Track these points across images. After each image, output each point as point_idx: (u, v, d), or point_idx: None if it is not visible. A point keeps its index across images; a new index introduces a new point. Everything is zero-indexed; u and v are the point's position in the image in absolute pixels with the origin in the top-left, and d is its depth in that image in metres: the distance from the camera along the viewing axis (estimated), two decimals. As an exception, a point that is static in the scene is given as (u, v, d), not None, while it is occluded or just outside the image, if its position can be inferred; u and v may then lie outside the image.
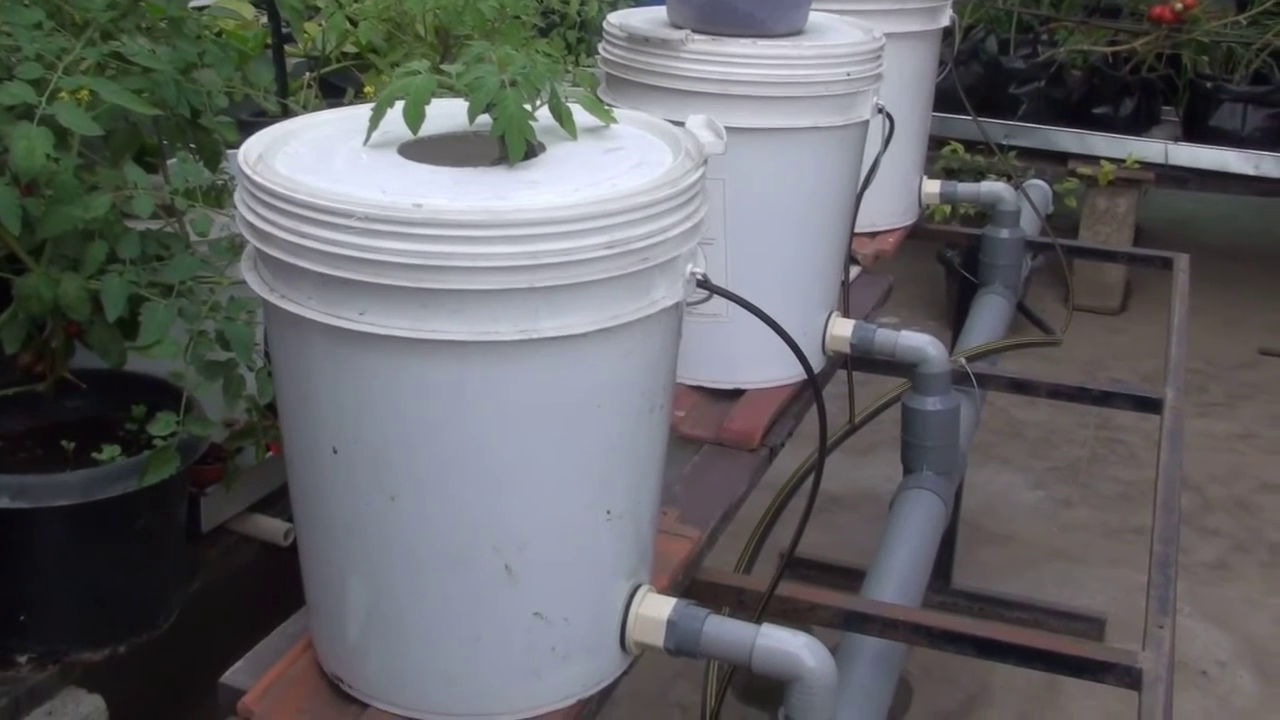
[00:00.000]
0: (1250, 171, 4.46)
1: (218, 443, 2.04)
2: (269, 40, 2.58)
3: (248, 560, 2.14)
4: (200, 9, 2.27)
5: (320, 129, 1.30)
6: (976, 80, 4.66)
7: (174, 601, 1.97)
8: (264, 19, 2.68)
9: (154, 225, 1.86)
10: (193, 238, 1.83)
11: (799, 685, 1.30)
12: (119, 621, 1.90)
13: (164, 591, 1.96)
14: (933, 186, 2.76)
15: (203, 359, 1.76)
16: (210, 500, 2.07)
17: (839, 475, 3.60)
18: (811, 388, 1.31)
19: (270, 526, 2.07)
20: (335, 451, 1.18)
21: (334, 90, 2.68)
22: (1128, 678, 1.54)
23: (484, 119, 1.23)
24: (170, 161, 1.88)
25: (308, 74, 2.58)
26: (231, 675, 1.35)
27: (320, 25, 2.73)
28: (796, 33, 1.91)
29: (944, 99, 3.00)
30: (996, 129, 4.53)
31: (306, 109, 2.23)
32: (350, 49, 2.72)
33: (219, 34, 2.54)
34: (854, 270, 2.52)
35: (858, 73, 1.86)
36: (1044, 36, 4.85)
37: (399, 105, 1.22)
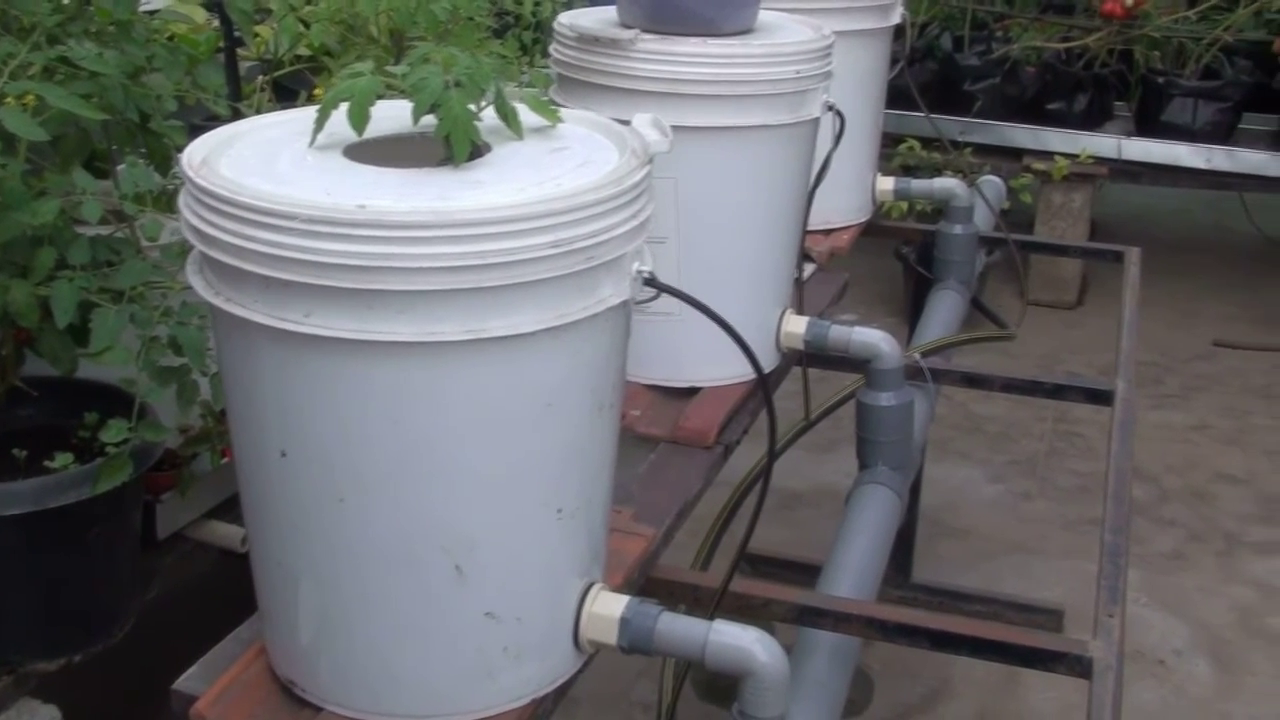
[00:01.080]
0: (1202, 165, 4.51)
1: (173, 449, 2.03)
2: (221, 44, 2.57)
3: (206, 567, 2.13)
4: (151, 13, 2.26)
5: (266, 131, 1.30)
6: (931, 77, 4.69)
7: (130, 610, 1.96)
8: (216, 23, 2.67)
9: (104, 231, 1.85)
10: (144, 243, 1.82)
11: (751, 680, 1.31)
12: (74, 631, 1.89)
13: (120, 600, 1.95)
14: (886, 183, 2.78)
15: (155, 365, 1.76)
16: (166, 507, 2.06)
17: (800, 472, 3.62)
18: (761, 384, 1.31)
19: (227, 533, 2.06)
20: (283, 454, 1.18)
21: (288, 93, 2.67)
22: (1078, 667, 1.56)
23: (430, 120, 1.23)
24: (120, 167, 1.86)
25: (261, 77, 2.57)
26: (184, 681, 1.35)
27: (273, 28, 2.72)
28: (746, 31, 1.92)
29: (899, 97, 3.02)
30: (952, 126, 4.57)
31: (259, 112, 2.22)
32: (304, 52, 2.71)
33: (170, 38, 2.53)
34: (809, 268, 2.53)
35: (807, 71, 1.87)
36: (998, 33, 4.88)
37: (344, 107, 1.22)
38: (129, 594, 1.96)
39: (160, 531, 2.07)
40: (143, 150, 1.92)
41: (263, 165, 1.20)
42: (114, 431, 1.74)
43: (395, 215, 1.08)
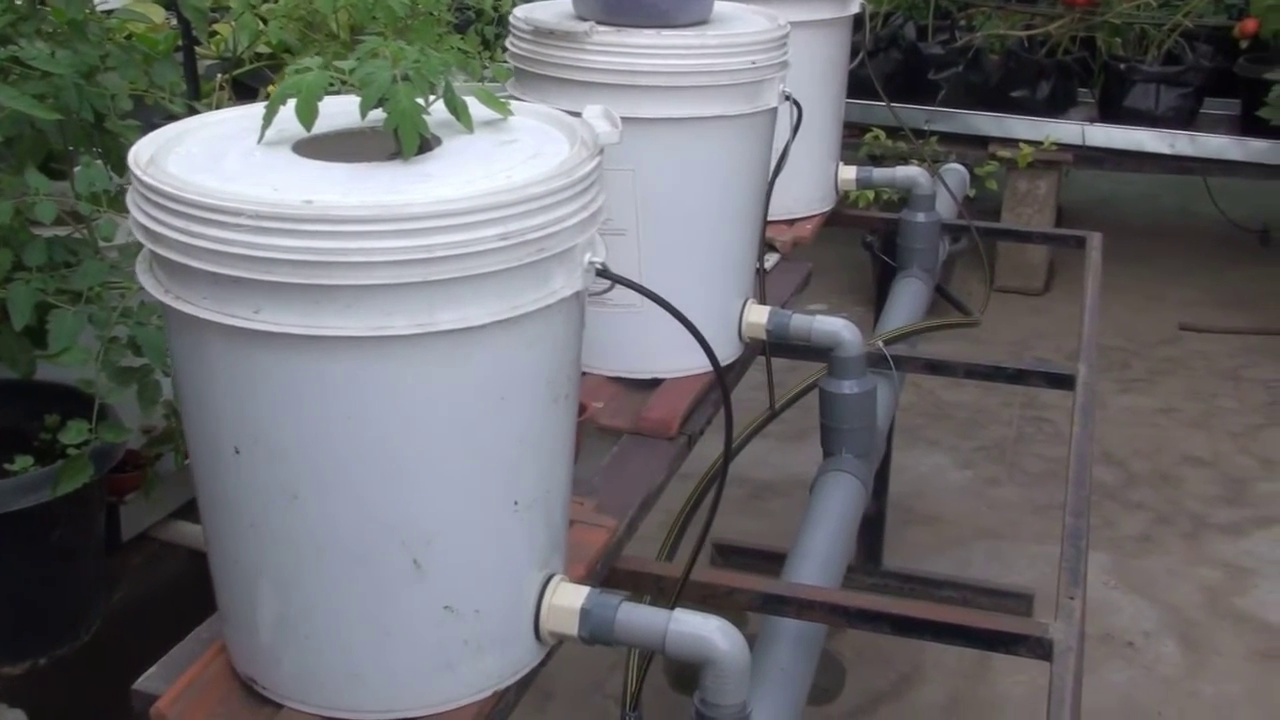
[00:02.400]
0: (1165, 150, 4.54)
1: (136, 450, 2.02)
2: (180, 43, 2.56)
3: (174, 568, 2.12)
4: (108, 12, 2.25)
5: (215, 128, 1.30)
6: (896, 67, 4.71)
7: (95, 612, 1.95)
8: (174, 22, 2.66)
9: (61, 232, 1.84)
10: (101, 244, 1.82)
11: (712, 669, 1.31)
12: (39, 634, 1.88)
13: (84, 602, 1.94)
14: (849, 173, 2.78)
15: (115, 365, 1.75)
16: (130, 508, 2.05)
17: (770, 462, 3.64)
18: (717, 376, 1.32)
19: (193, 532, 2.05)
20: (237, 452, 1.17)
21: (248, 91, 2.66)
22: (1040, 649, 1.57)
23: (380, 114, 1.23)
24: (78, 168, 1.86)
25: (220, 75, 2.56)
26: (145, 681, 1.35)
27: (232, 26, 2.71)
28: (701, 22, 1.92)
29: (864, 86, 3.03)
30: (917, 114, 4.59)
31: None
32: (264, 49, 2.70)
33: (128, 37, 2.52)
34: (772, 258, 2.54)
35: (763, 61, 1.88)
36: (961, 22, 4.91)
37: (292, 103, 1.22)
38: (94, 596, 1.96)
39: (125, 533, 2.07)
40: (99, 150, 1.91)
41: (210, 162, 1.20)
42: (74, 433, 1.74)
43: (342, 209, 1.08)
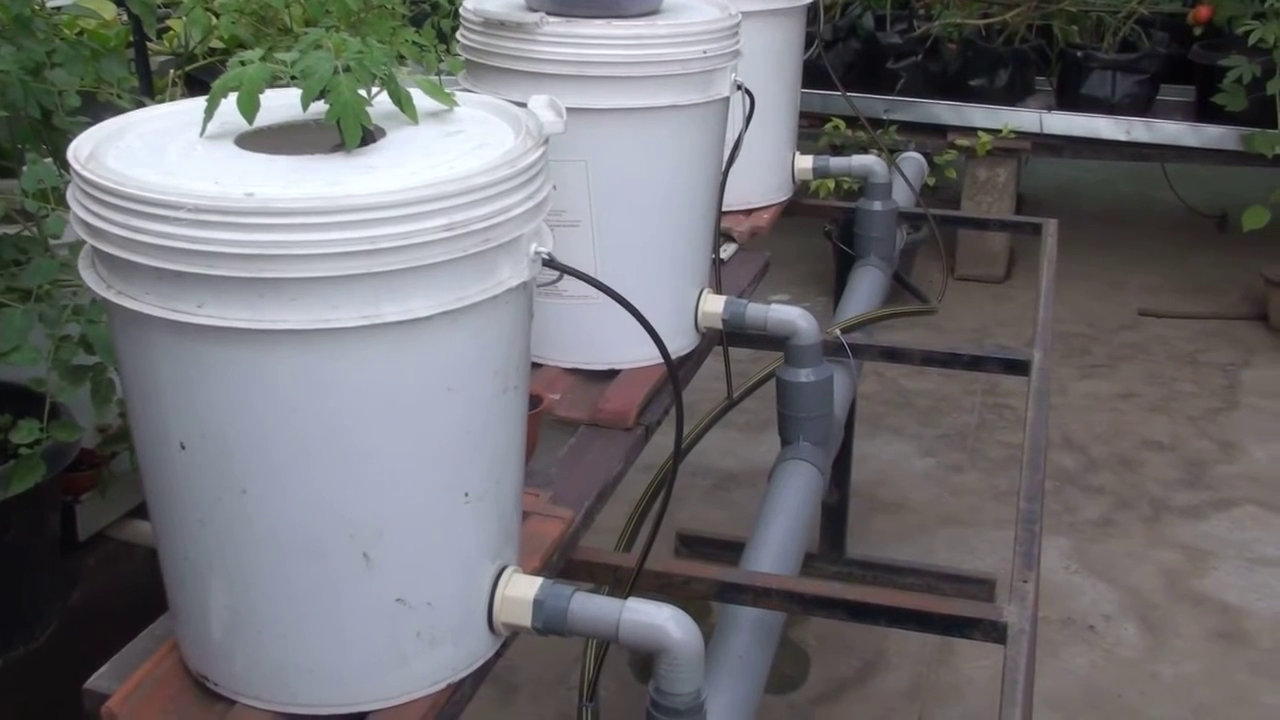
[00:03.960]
0: (1122, 137, 4.57)
1: (91, 449, 2.01)
2: (131, 39, 2.54)
3: (134, 567, 2.11)
4: (57, 9, 2.22)
5: (157, 123, 1.29)
6: (854, 56, 4.72)
7: (52, 612, 1.94)
8: (125, 17, 2.64)
9: (11, 230, 1.82)
10: (52, 242, 1.80)
11: (666, 657, 1.31)
12: (-6, 634, 1.87)
13: (40, 602, 1.93)
14: (805, 162, 2.79)
15: (66, 364, 1.74)
16: (86, 508, 2.04)
17: (734, 452, 3.64)
18: (666, 362, 1.32)
19: (149, 531, 2.03)
20: (183, 447, 1.17)
21: (201, 87, 2.63)
22: (994, 632, 1.58)
23: (323, 106, 1.22)
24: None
25: (173, 71, 2.54)
26: (96, 680, 1.34)
27: (183, 21, 2.69)
28: (652, 12, 1.93)
29: (824, 77, 3.04)
30: (876, 104, 4.60)
31: (168, 107, 2.19)
32: (217, 45, 2.68)
33: (80, 33, 2.50)
34: (730, 247, 2.55)
35: (714, 50, 1.88)
36: (919, 11, 4.92)
37: (234, 96, 1.21)
38: (50, 596, 1.94)
39: (81, 532, 2.05)
40: (47, 148, 1.90)
41: (151, 156, 1.19)
42: (25, 432, 1.73)
43: (284, 202, 1.07)
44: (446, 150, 1.23)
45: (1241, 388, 4.14)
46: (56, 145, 1.89)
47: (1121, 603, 3.07)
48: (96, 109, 1.99)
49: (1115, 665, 2.86)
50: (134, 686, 1.31)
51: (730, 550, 2.97)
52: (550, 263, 1.24)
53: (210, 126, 1.25)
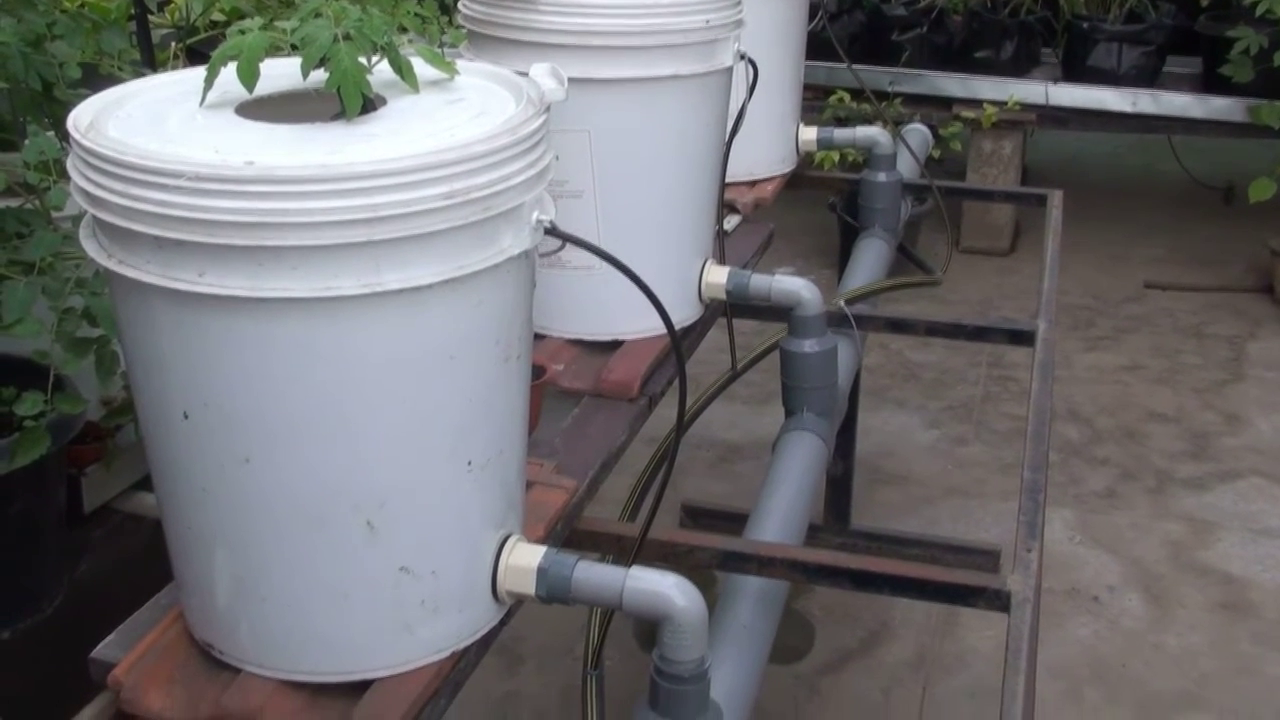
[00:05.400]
0: (1128, 109, 4.55)
1: (96, 422, 2.01)
2: (133, 11, 2.53)
3: (140, 540, 2.12)
4: (58, -20, 2.22)
5: (156, 92, 1.29)
6: (859, 28, 4.70)
7: (59, 584, 1.95)
8: (127, -10, 2.63)
9: (13, 203, 1.82)
10: (54, 214, 1.80)
11: (669, 625, 1.31)
12: (1, 607, 1.87)
13: (47, 575, 1.93)
14: (810, 134, 2.78)
15: (70, 336, 1.74)
16: (91, 480, 2.05)
17: (738, 425, 3.65)
18: (668, 330, 1.31)
19: (154, 503, 2.04)
20: (186, 416, 1.17)
21: (204, 60, 2.62)
22: (997, 601, 1.58)
23: (323, 75, 1.22)
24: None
25: (175, 44, 2.54)
26: (102, 649, 1.34)
27: (185, -6, 2.68)
28: (655, -19, 1.91)
29: (829, 49, 3.03)
30: (880, 76, 4.58)
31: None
32: (219, 17, 2.67)
33: (81, 6, 2.49)
34: (734, 219, 2.54)
35: (717, 20, 1.87)
36: (924, -17, 4.89)
37: (234, 64, 1.21)
38: (56, 569, 1.95)
39: (87, 505, 2.06)
40: (48, 120, 1.89)
41: (151, 125, 1.19)
42: (29, 404, 1.73)
43: (284, 170, 1.07)
44: (447, 118, 1.23)
45: (1247, 360, 4.13)
46: (57, 117, 1.89)
47: (1126, 574, 3.07)
48: (98, 81, 1.98)
49: (1119, 636, 2.86)
50: (140, 655, 1.32)
51: (735, 522, 2.97)
52: (552, 231, 1.23)
53: (210, 95, 1.24)
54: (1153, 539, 3.21)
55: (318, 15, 1.21)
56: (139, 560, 2.06)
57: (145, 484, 2.10)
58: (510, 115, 1.22)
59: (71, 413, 1.79)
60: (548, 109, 1.26)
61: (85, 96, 1.85)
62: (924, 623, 2.88)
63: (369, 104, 1.22)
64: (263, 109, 1.24)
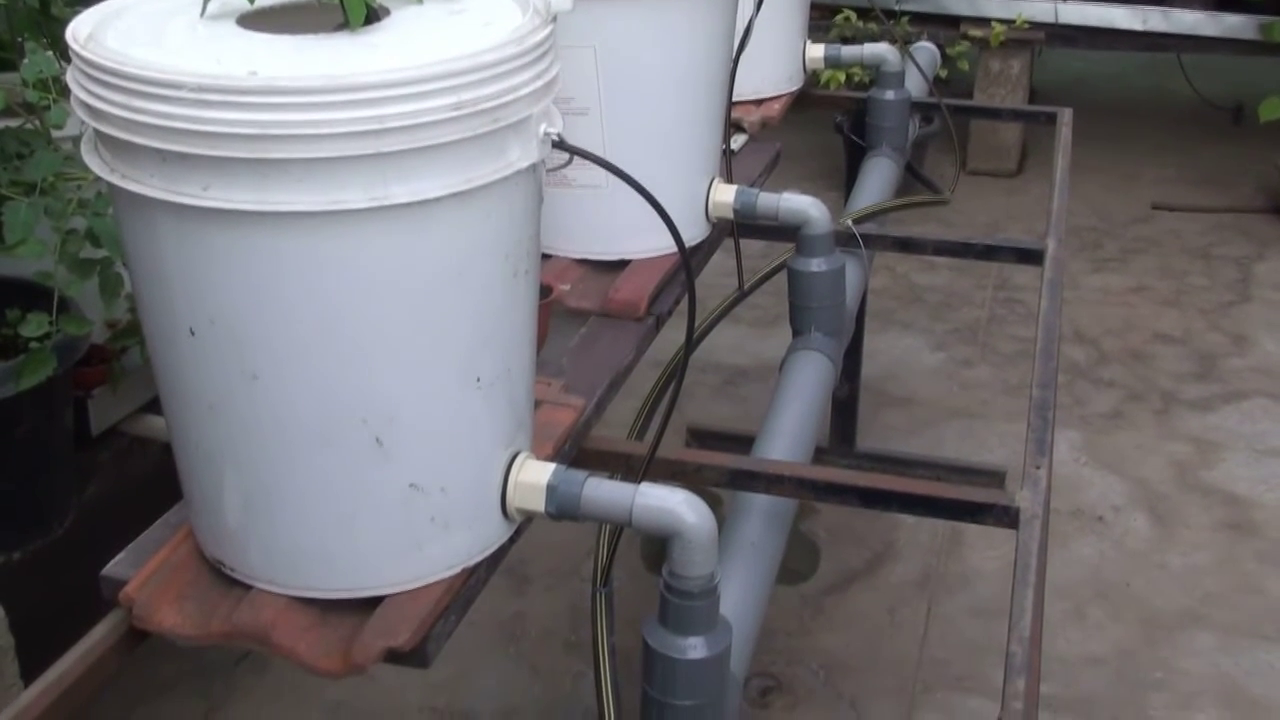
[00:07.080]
0: (1138, 27, 4.50)
1: (101, 344, 2.01)
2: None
3: (148, 462, 2.12)
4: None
5: (156, 3, 1.26)
6: (866, -54, 4.62)
7: (68, 505, 1.96)
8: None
9: (13, 123, 1.80)
10: (56, 134, 1.78)
11: (679, 541, 1.31)
12: (11, 528, 1.88)
13: (56, 496, 1.94)
14: (817, 51, 2.75)
15: (73, 257, 1.73)
16: (98, 403, 2.05)
17: (744, 348, 3.64)
18: (678, 245, 1.30)
19: (163, 426, 2.03)
20: (192, 333, 1.16)
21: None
22: (1005, 517, 1.58)
23: (326, -14, 1.20)
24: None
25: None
26: (113, 567, 1.34)
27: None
28: (661, -107, 1.88)
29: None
30: (888, -6, 4.52)
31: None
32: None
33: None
34: (740, 138, 2.51)
35: (724, -68, 1.84)
36: (932, -101, 4.81)
37: (235, -25, 1.19)
38: (65, 490, 1.96)
39: (95, 428, 2.06)
40: (46, 38, 1.87)
41: (151, 36, 1.16)
42: (34, 326, 1.72)
43: (287, 80, 1.05)
44: (453, 28, 1.21)
45: (1254, 281, 4.11)
46: (55, 35, 1.86)
47: (1131, 494, 3.08)
48: None
49: (1124, 555, 2.88)
50: (151, 572, 1.32)
51: (741, 444, 2.96)
52: (560, 144, 1.22)
53: (211, 6, 1.22)
54: (1158, 459, 3.21)
55: (319, -77, 1.18)
56: (147, 483, 2.06)
57: (152, 407, 2.10)
58: (517, 25, 1.20)
59: (77, 334, 1.79)
60: (554, 19, 1.24)
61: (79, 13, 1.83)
62: (929, 544, 2.90)
63: (372, 14, 1.19)
64: (264, 20, 1.21)
